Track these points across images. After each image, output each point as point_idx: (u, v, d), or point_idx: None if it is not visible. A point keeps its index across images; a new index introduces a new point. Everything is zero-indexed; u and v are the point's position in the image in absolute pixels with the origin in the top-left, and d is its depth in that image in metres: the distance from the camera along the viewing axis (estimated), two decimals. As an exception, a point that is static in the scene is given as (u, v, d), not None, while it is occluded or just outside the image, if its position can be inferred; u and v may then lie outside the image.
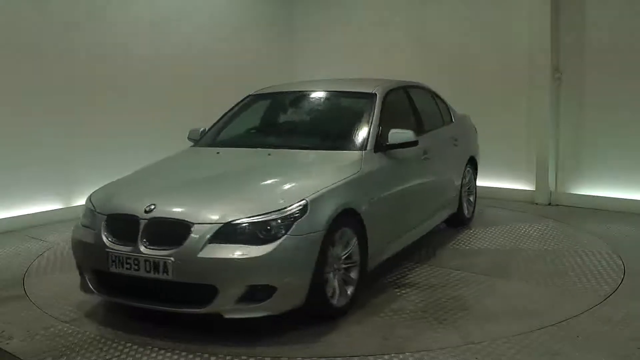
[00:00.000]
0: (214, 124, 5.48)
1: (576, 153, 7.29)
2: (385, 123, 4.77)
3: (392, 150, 4.66)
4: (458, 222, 6.31)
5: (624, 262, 5.05)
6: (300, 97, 5.54)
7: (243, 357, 3.47)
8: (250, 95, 5.71)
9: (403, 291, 4.47)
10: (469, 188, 6.53)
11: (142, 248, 3.65)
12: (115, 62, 7.48)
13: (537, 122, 7.40)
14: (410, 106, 5.54)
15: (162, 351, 3.55)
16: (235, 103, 5.66)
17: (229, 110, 5.59)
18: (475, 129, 6.87)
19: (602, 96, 7.03)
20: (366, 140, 4.59)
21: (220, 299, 3.52)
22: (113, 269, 3.74)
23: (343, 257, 4.00)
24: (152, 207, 3.75)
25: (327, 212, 3.76)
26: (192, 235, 3.56)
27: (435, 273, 4.88)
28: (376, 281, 4.65)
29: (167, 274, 3.56)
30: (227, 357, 3.47)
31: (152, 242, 3.66)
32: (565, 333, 3.69)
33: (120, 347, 3.61)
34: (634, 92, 6.80)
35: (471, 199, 6.61)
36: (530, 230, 6.22)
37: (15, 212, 6.65)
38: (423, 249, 5.52)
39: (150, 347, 3.60)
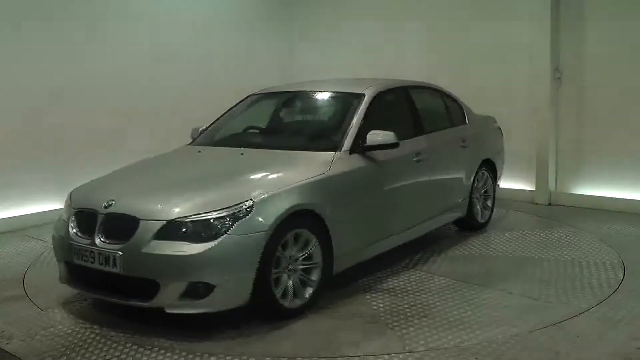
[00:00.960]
0: (212, 123, 5.59)
1: (576, 153, 7.29)
2: (371, 124, 4.72)
3: (372, 151, 4.59)
4: (470, 226, 6.10)
5: (624, 262, 5.05)
6: (293, 97, 5.67)
7: (243, 357, 3.47)
8: (250, 95, 5.78)
9: (372, 295, 4.39)
10: (485, 192, 6.28)
11: (97, 241, 3.85)
12: (115, 62, 7.47)
13: (537, 122, 7.40)
14: (407, 107, 5.42)
15: (162, 351, 3.55)
16: (236, 103, 5.72)
17: (228, 110, 5.69)
18: (501, 131, 6.69)
19: (602, 96, 7.03)
20: (342, 141, 4.56)
21: (162, 294, 3.65)
22: (76, 261, 3.97)
23: (300, 258, 4.02)
24: (111, 202, 3.92)
25: (275, 212, 3.79)
26: (139, 231, 3.70)
27: (417, 278, 4.75)
28: (349, 284, 4.58)
29: (117, 268, 3.73)
30: (227, 357, 3.48)
31: (108, 237, 3.85)
32: (565, 333, 3.69)
33: (120, 347, 3.62)
34: (634, 92, 6.80)
35: (488, 203, 6.33)
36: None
37: (15, 212, 6.65)
38: (419, 252, 5.39)
39: (150, 347, 3.60)
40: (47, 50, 6.88)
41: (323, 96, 5.48)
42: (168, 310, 3.69)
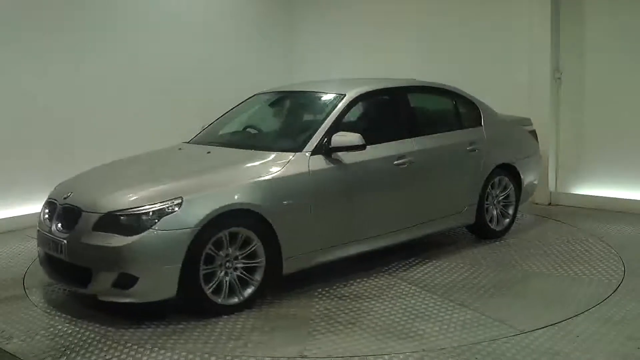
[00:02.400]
0: (210, 123, 5.68)
1: (576, 153, 7.29)
2: (348, 125, 4.74)
3: (338, 153, 4.54)
4: (484, 235, 5.78)
5: (624, 262, 5.05)
6: (282, 97, 5.69)
7: (243, 357, 3.47)
8: (255, 94, 5.85)
9: (320, 299, 4.34)
10: (506, 198, 5.91)
11: (53, 229, 4.19)
12: (116, 62, 7.46)
13: (537, 122, 7.39)
14: (397, 109, 5.28)
15: (162, 351, 3.55)
16: (238, 102, 5.84)
17: (229, 110, 5.79)
18: (534, 135, 6.35)
19: (602, 96, 7.03)
20: (305, 142, 4.55)
21: (95, 282, 3.91)
22: (42, 247, 4.36)
23: (240, 257, 4.08)
24: (69, 194, 4.25)
25: (204, 210, 3.89)
26: (80, 221, 4.00)
27: (382, 285, 4.61)
28: (305, 287, 4.54)
29: (63, 255, 4.06)
30: (227, 357, 3.48)
31: (62, 226, 4.15)
32: (565, 333, 3.69)
33: (120, 347, 3.61)
34: (634, 92, 6.80)
35: (509, 211, 5.94)
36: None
37: (15, 212, 6.64)
38: (410, 258, 5.20)
39: (150, 347, 3.60)
40: (48, 51, 6.87)
41: (308, 97, 5.47)
42: (100, 298, 3.96)
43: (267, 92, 5.81)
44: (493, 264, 5.09)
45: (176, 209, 3.86)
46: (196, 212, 3.88)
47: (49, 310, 4.24)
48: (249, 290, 4.13)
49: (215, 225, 3.94)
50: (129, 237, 3.79)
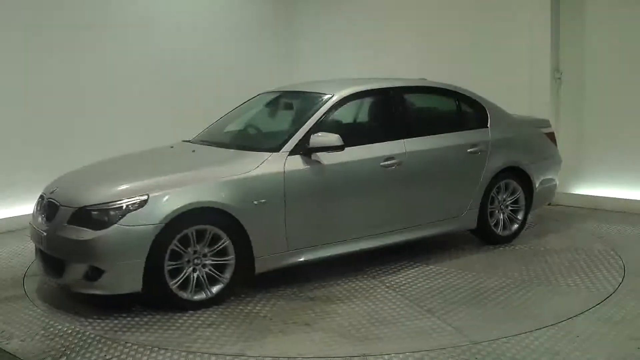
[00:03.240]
0: (213, 122, 5.71)
1: (576, 153, 7.28)
2: (333, 126, 4.77)
3: (317, 154, 4.53)
4: (488, 240, 5.60)
5: (624, 262, 5.05)
6: (279, 97, 5.68)
7: (242, 357, 3.48)
8: (257, 94, 5.87)
9: (289, 299, 4.36)
10: (515, 202, 5.70)
11: (39, 222, 4.40)
12: (116, 63, 7.47)
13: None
14: (390, 109, 5.19)
15: (162, 351, 3.55)
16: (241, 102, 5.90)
17: (231, 110, 5.84)
18: (551, 137, 6.12)
19: (602, 96, 7.03)
20: (285, 142, 4.57)
21: (67, 274, 4.12)
22: (32, 240, 4.56)
23: (209, 254, 4.18)
24: (54, 189, 4.45)
25: (169, 208, 4.00)
26: (58, 215, 4.19)
27: (360, 287, 4.57)
28: (281, 287, 4.58)
29: (42, 246, 4.30)
30: (227, 357, 3.48)
31: (44, 219, 4.35)
32: (565, 333, 3.70)
33: (120, 347, 3.62)
34: (634, 92, 6.80)
35: (518, 216, 5.73)
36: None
37: (15, 212, 6.64)
38: (401, 261, 5.12)
39: (150, 347, 3.60)
40: (48, 52, 6.87)
41: (300, 97, 5.44)
42: (72, 289, 4.21)
43: (270, 92, 5.81)
44: (485, 270, 4.93)
45: (142, 205, 3.98)
46: (161, 209, 3.99)
47: (49, 310, 4.24)
48: (217, 287, 4.22)
49: (181, 222, 4.04)
50: (97, 232, 3.94)
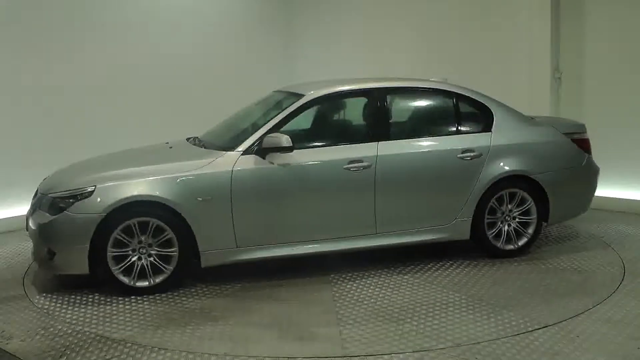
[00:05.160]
0: (222, 122, 5.71)
1: (576, 153, 7.27)
2: (300, 127, 4.86)
3: (272, 154, 4.56)
4: (488, 253, 5.17)
5: (624, 262, 5.05)
6: (270, 97, 5.64)
7: (243, 357, 3.47)
8: (273, 91, 5.85)
9: (229, 295, 4.45)
10: (525, 213, 5.17)
11: (31, 211, 4.73)
12: (116, 64, 7.47)
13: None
14: (368, 111, 5.09)
15: (162, 351, 3.55)
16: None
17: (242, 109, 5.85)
18: (579, 143, 5.50)
19: (602, 96, 7.03)
20: (240, 141, 4.68)
21: (35, 253, 4.63)
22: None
23: (154, 245, 4.43)
24: (44, 179, 4.96)
25: (111, 199, 4.32)
26: (37, 202, 4.65)
27: (310, 290, 4.53)
28: (233, 282, 4.66)
29: (27, 230, 4.72)
30: (227, 357, 3.48)
31: (33, 206, 4.73)
32: (565, 333, 3.70)
33: (120, 347, 3.62)
34: (634, 92, 6.80)
35: (529, 230, 5.19)
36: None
37: (15, 212, 6.64)
38: (377, 269, 4.91)
39: (150, 347, 3.60)
40: (49, 52, 6.88)
41: (279, 97, 5.38)
42: (39, 267, 4.72)
43: (278, 91, 5.71)
44: (458, 284, 4.60)
45: (89, 195, 4.34)
46: (104, 200, 4.33)
47: (49, 310, 4.24)
48: (161, 277, 4.46)
49: (122, 213, 4.34)
50: (51, 217, 4.38)
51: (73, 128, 7.10)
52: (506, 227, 5.17)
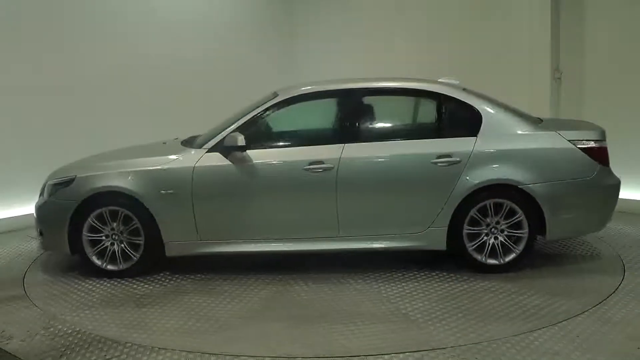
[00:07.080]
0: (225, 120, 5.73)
1: (576, 153, 7.27)
2: (268, 127, 5.01)
3: (233, 153, 4.72)
4: (471, 267, 4.81)
5: (624, 262, 5.05)
6: (265, 97, 5.56)
7: (242, 357, 3.48)
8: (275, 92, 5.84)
9: (173, 286, 4.68)
10: (515, 226, 4.73)
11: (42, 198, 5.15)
12: (117, 64, 7.48)
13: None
14: (337, 112, 5.00)
15: (162, 351, 3.56)
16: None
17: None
18: (590, 152, 4.79)
19: (602, 96, 7.03)
20: (206, 140, 4.92)
21: (35, 232, 5.14)
22: None
23: (125, 233, 4.83)
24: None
25: (85, 189, 4.79)
26: (43, 188, 5.13)
27: (244, 289, 4.56)
28: (191, 276, 4.88)
29: (35, 215, 5.15)
30: (227, 357, 3.48)
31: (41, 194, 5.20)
32: (565, 333, 3.69)
33: (120, 347, 3.62)
34: (633, 92, 6.80)
35: (520, 246, 4.74)
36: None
37: (15, 212, 6.65)
38: (333, 274, 4.81)
39: (150, 347, 3.60)
40: (49, 52, 6.89)
41: (267, 97, 5.27)
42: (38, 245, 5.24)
43: (274, 91, 5.70)
44: (427, 292, 4.46)
45: (69, 184, 4.85)
46: (80, 189, 4.81)
47: (49, 310, 4.25)
48: (128, 263, 4.85)
49: (95, 202, 4.79)
50: (42, 201, 5.00)
51: (74, 128, 7.11)
52: (492, 240, 4.76)
